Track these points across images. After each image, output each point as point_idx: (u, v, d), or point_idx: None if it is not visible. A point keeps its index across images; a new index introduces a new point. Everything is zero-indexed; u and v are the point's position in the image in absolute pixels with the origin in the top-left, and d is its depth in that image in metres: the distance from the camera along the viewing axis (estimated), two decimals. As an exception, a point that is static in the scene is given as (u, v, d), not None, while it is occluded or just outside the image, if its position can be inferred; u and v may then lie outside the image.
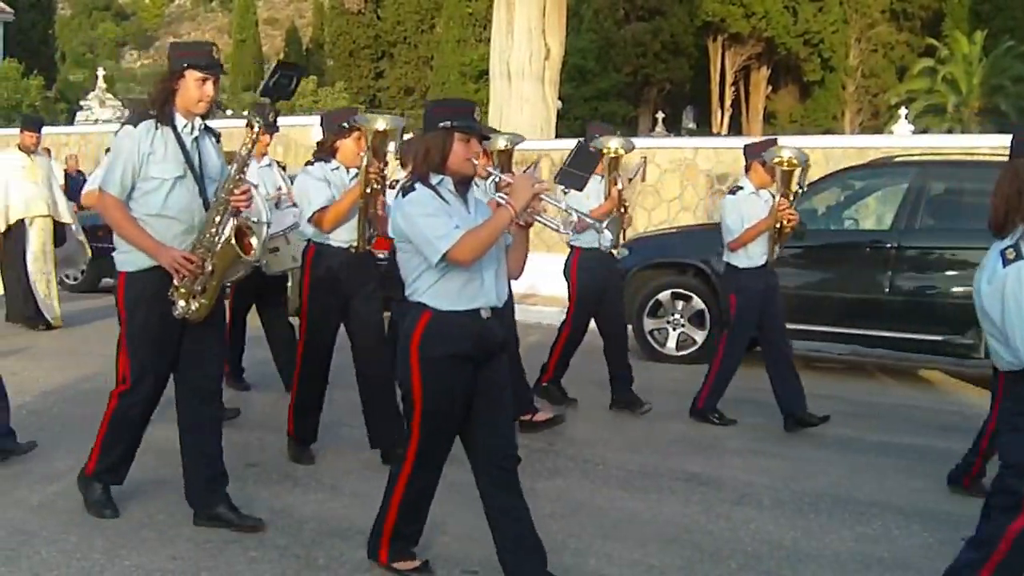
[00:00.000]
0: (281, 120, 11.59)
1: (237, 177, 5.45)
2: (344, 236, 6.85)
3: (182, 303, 5.39)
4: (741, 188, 8.42)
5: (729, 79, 52.10)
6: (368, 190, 6.68)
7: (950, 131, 39.56)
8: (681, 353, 11.42)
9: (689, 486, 6.81)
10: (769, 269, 8.31)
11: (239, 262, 5.61)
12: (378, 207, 6.85)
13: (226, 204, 5.43)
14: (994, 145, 13.07)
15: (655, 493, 6.67)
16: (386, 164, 6.91)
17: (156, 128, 5.38)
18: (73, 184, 18.66)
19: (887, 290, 10.47)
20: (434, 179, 4.68)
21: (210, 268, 5.42)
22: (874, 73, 50.42)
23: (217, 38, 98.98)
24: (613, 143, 8.59)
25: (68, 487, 6.15)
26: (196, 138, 5.52)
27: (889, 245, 10.52)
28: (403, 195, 4.65)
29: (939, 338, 10.20)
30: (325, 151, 7.01)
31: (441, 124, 4.68)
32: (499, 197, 4.78)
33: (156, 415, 7.91)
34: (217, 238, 5.45)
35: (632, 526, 6.03)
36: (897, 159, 11.87)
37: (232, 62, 70.67)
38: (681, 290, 11.50)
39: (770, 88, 53.70)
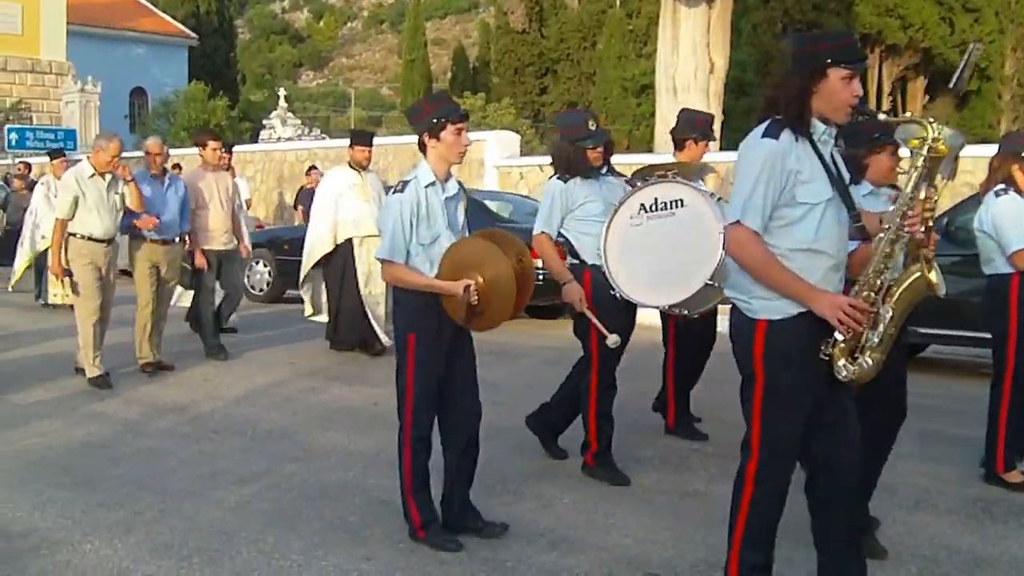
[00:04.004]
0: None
1: (913, 196, 4.43)
2: None
3: (842, 362, 4.32)
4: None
5: (886, 89, 51.29)
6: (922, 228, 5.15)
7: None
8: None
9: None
10: None
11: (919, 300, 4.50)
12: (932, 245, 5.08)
13: (898, 230, 4.42)
14: None
15: (831, 498, 6.65)
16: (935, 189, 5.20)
17: (796, 140, 4.30)
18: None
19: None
20: None
21: (889, 314, 4.38)
22: (1031, 82, 49.19)
23: (387, 58, 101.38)
24: None
25: (262, 489, 6.43)
26: (831, 150, 4.47)
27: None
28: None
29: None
30: (857, 168, 5.81)
31: None
32: None
33: (335, 419, 8.31)
34: (892, 274, 4.45)
35: (809, 530, 6.01)
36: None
37: (402, 81, 71.94)
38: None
39: (927, 98, 52.69)
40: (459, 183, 5.77)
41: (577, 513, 6.07)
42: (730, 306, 4.54)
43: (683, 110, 8.37)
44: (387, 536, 5.68)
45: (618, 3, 61.12)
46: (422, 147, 5.55)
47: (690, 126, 7.77)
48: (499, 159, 20.99)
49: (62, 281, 9.54)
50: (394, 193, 5.51)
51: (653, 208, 6.55)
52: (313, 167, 20.95)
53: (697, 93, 22.94)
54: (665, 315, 7.68)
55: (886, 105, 51.18)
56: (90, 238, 9.46)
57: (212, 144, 11.29)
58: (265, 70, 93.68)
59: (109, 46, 50.86)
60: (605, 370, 6.87)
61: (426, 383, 5.53)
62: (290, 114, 40.47)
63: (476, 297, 5.33)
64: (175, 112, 42.92)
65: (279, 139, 35.29)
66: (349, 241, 11.25)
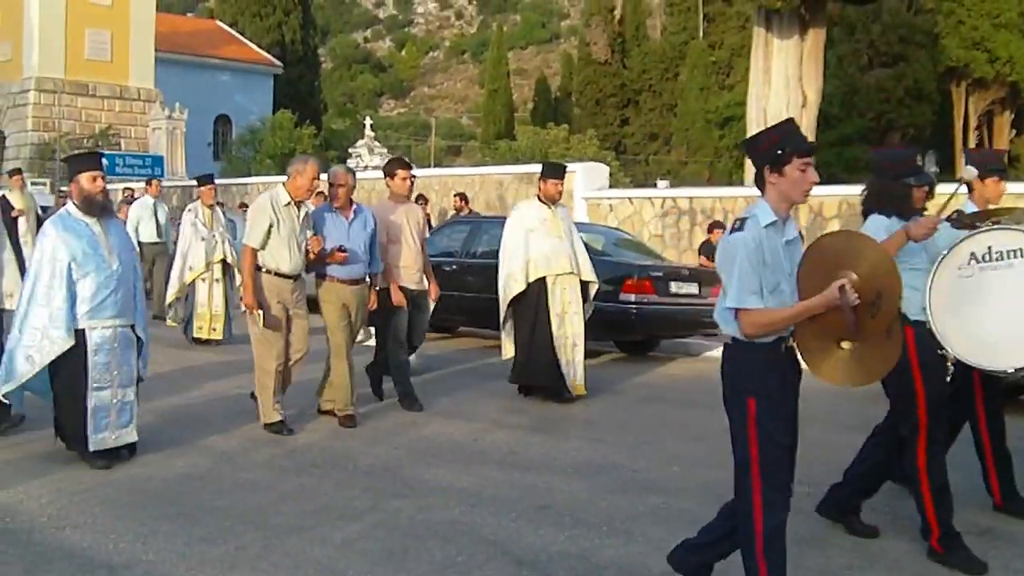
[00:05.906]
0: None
1: None
2: None
3: None
4: None
5: (972, 124, 50.67)
6: None
7: None
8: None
9: (983, 540, 6.49)
10: None
11: None
12: None
13: None
14: None
15: (950, 548, 6.46)
16: None
17: None
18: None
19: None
20: None
21: None
22: (1117, 117, 48.55)
23: (468, 88, 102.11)
24: None
25: (368, 526, 6.32)
26: None
27: None
28: None
29: None
30: None
31: None
32: None
33: (438, 455, 8.18)
34: None
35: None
36: None
37: (484, 111, 72.31)
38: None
39: (1013, 132, 52.05)
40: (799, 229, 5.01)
41: (691, 558, 5.88)
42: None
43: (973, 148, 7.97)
44: (496, 576, 5.57)
45: (701, 34, 61.05)
46: (760, 182, 4.79)
47: (971, 159, 7.08)
48: (588, 191, 20.86)
49: (254, 314, 8.72)
50: (732, 232, 4.72)
51: (987, 258, 6.05)
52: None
53: (789, 126, 22.86)
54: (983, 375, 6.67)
55: (972, 139, 50.74)
56: (277, 273, 8.80)
57: (402, 173, 10.43)
58: (346, 99, 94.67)
59: (195, 73, 51.71)
60: (935, 430, 6.12)
61: (775, 456, 4.71)
62: (377, 143, 40.58)
63: (856, 296, 4.43)
64: (261, 140, 43.31)
65: (366, 167, 35.34)
66: (541, 280, 10.60)
